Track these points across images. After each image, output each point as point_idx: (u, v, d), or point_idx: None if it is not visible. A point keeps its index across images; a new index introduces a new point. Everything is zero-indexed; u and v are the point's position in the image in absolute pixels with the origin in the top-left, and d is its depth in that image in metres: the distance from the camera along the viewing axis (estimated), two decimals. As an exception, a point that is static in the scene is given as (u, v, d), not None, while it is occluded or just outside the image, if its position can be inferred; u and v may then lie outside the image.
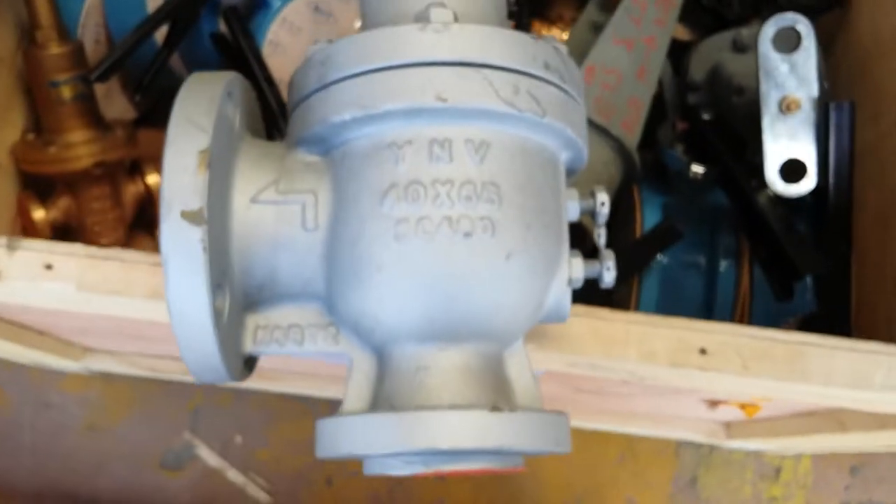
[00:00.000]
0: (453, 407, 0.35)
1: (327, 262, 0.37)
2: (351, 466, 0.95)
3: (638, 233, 0.70)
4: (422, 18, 0.36)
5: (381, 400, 0.37)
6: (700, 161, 0.67)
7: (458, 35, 0.35)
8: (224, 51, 0.70)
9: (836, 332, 0.65)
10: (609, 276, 0.39)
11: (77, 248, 0.46)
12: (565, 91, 0.38)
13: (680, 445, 0.99)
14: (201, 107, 0.36)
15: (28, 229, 0.74)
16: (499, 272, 0.36)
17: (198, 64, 0.76)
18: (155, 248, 0.83)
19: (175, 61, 0.74)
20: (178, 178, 0.34)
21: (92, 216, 0.75)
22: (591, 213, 0.40)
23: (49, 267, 0.45)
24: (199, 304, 0.34)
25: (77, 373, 0.92)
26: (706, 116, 0.68)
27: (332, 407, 0.87)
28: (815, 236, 0.65)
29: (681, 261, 0.73)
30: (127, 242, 0.79)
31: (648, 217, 0.71)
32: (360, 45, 0.36)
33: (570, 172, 0.41)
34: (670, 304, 0.72)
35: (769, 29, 0.57)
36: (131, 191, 0.78)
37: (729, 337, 0.46)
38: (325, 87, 0.37)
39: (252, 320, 0.40)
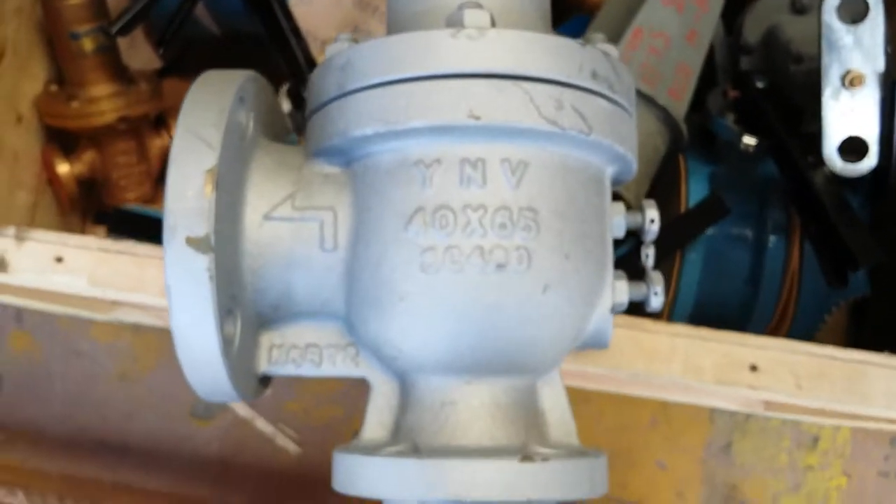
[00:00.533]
0: (481, 450, 0.33)
1: (347, 283, 0.35)
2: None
3: (683, 205, 0.67)
4: (454, 22, 0.32)
5: (403, 432, 0.35)
6: (752, 132, 0.63)
7: (494, 43, 0.31)
8: (249, 0, 0.67)
9: (888, 318, 0.62)
10: (657, 302, 0.36)
11: (89, 240, 0.44)
12: (614, 102, 0.34)
13: (714, 411, 0.97)
14: (209, 117, 0.33)
15: (53, 183, 0.73)
16: (534, 306, 0.33)
17: (223, 12, 0.73)
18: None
19: (200, 10, 0.71)
20: (183, 202, 0.31)
21: (117, 170, 0.74)
22: (639, 230, 0.36)
23: (59, 260, 0.43)
24: (206, 334, 0.32)
25: (107, 321, 0.92)
26: (760, 84, 0.63)
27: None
28: (870, 218, 0.61)
29: (727, 233, 0.69)
30: (153, 197, 0.78)
31: (694, 188, 0.68)
32: (385, 51, 0.32)
33: (616, 183, 0.37)
34: (714, 278, 0.69)
35: (834, -3, 0.53)
36: (157, 144, 0.76)
37: (782, 353, 0.43)
38: (346, 95, 0.33)
39: (267, 338, 0.37)
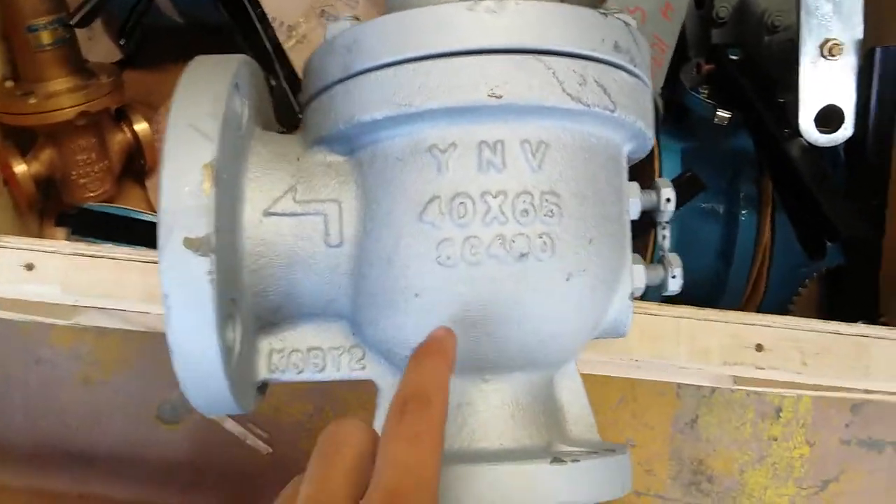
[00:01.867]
0: (504, 453, 0.31)
1: (354, 281, 0.32)
2: (352, 416, 0.93)
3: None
4: None
5: None
6: (726, 105, 0.63)
7: (515, 15, 0.29)
8: (213, -13, 0.65)
9: (862, 287, 0.63)
10: (675, 284, 0.35)
11: (61, 245, 0.41)
12: (635, 75, 0.32)
13: (681, 386, 0.99)
14: (205, 106, 0.30)
15: (10, 183, 0.69)
16: (557, 297, 0.31)
17: (184, 1, 0.71)
18: (146, 201, 0.79)
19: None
20: (180, 199, 0.29)
21: (77, 168, 0.71)
22: (653, 210, 0.35)
23: (30, 267, 0.40)
24: (206, 342, 0.29)
25: (67, 325, 0.89)
26: (734, 56, 0.64)
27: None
28: (845, 188, 0.62)
29: (699, 208, 0.70)
30: (115, 195, 0.75)
31: (666, 165, 0.68)
32: (396, 28, 0.30)
33: (630, 160, 0.36)
34: (685, 252, 0.69)
35: (812, -35, 0.53)
36: (118, 139, 0.73)
37: (787, 331, 0.42)
38: (352, 77, 0.31)
39: (266, 343, 0.35)
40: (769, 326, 0.43)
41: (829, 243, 0.57)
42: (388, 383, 0.34)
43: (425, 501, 0.26)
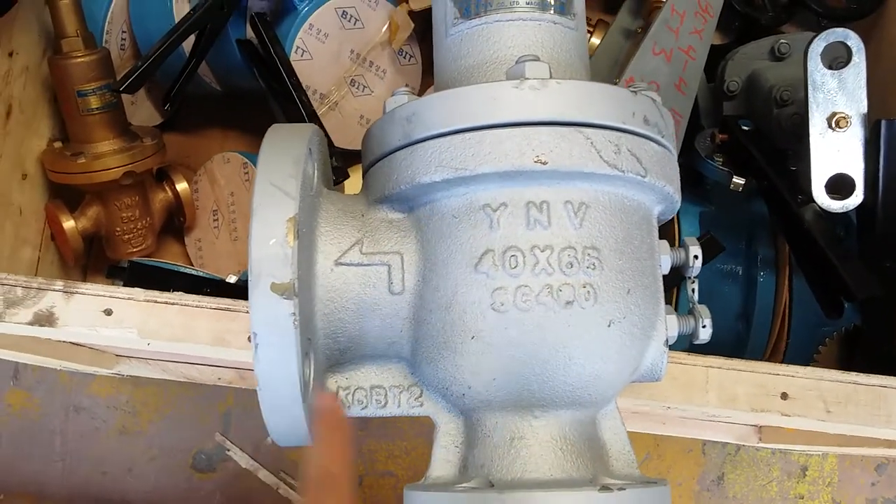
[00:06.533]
0: (555, 482, 0.34)
1: (414, 326, 0.36)
2: (381, 466, 0.95)
3: (676, 244, 0.69)
4: (516, 74, 0.34)
5: (473, 468, 0.36)
6: (740, 173, 0.66)
7: (556, 92, 0.33)
8: (251, 57, 0.69)
9: (879, 348, 0.64)
10: (705, 334, 0.38)
11: (136, 292, 0.44)
12: (663, 145, 0.36)
13: (706, 444, 0.99)
14: (286, 169, 0.34)
15: (58, 238, 0.73)
16: (600, 341, 0.34)
17: (224, 69, 0.75)
18: (185, 256, 0.82)
19: (201, 67, 0.73)
20: (267, 249, 0.32)
21: (121, 224, 0.75)
22: (682, 267, 0.38)
23: (108, 312, 0.44)
24: (289, 377, 0.33)
25: (107, 375, 0.92)
26: (746, 127, 0.67)
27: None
28: (859, 251, 0.64)
29: (718, 270, 0.72)
30: (155, 250, 0.79)
31: (685, 228, 0.70)
32: (452, 102, 0.34)
33: (660, 221, 0.40)
34: (707, 314, 0.71)
35: (818, 44, 0.56)
36: (160, 198, 0.77)
37: (811, 381, 0.45)
38: (412, 144, 0.35)
39: (333, 381, 0.38)
40: (793, 376, 0.45)
41: (846, 303, 0.59)
42: (444, 419, 0.37)
43: None
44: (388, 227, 0.36)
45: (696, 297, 0.40)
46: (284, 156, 0.34)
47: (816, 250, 0.60)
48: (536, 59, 0.34)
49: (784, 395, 0.44)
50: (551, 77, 0.34)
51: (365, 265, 0.36)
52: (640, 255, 0.36)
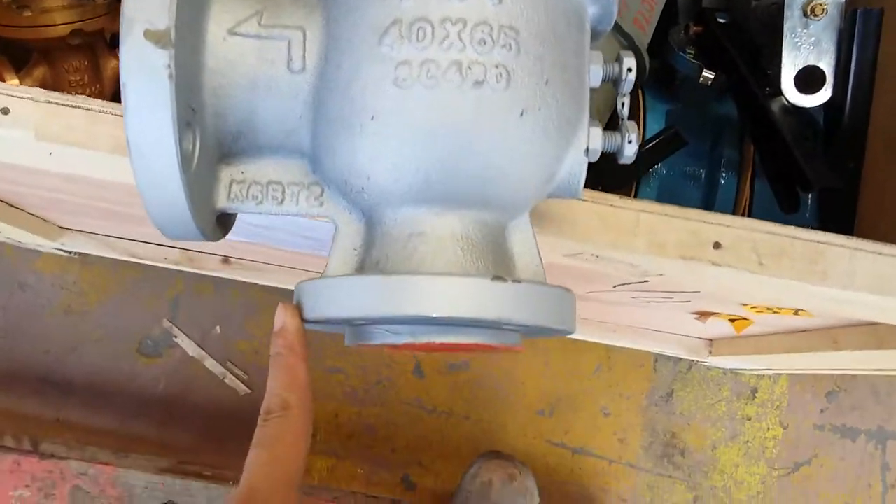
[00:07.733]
0: (449, 275, 0.32)
1: (314, 110, 0.33)
2: (330, 362, 0.94)
3: (640, 138, 0.68)
4: None
5: (369, 265, 0.34)
6: (712, 66, 0.64)
7: None
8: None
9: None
10: (630, 150, 0.35)
11: (37, 92, 0.41)
12: None
13: (658, 360, 0.99)
14: None
15: (1, 99, 0.70)
16: (510, 130, 0.32)
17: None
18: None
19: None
20: None
21: (69, 89, 0.71)
22: (615, 80, 0.36)
23: (6, 111, 0.40)
24: (163, 138, 0.30)
25: (53, 253, 0.89)
26: (721, 20, 0.65)
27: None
28: (824, 150, 0.63)
29: (680, 171, 0.71)
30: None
31: (651, 124, 0.69)
32: None
33: (595, 35, 0.36)
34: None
35: (799, -73, 0.54)
36: (111, 65, 0.74)
37: (746, 231, 0.42)
38: None
39: (227, 173, 0.35)
40: (728, 226, 0.43)
41: (804, 195, 0.58)
42: (344, 219, 0.35)
43: (278, 499, 0.33)
44: (293, 1, 0.34)
45: (625, 112, 0.37)
46: None
47: (780, 144, 0.59)
48: None
49: (717, 245, 0.42)
50: None
51: (263, 37, 0.33)
52: (564, 48, 0.33)
